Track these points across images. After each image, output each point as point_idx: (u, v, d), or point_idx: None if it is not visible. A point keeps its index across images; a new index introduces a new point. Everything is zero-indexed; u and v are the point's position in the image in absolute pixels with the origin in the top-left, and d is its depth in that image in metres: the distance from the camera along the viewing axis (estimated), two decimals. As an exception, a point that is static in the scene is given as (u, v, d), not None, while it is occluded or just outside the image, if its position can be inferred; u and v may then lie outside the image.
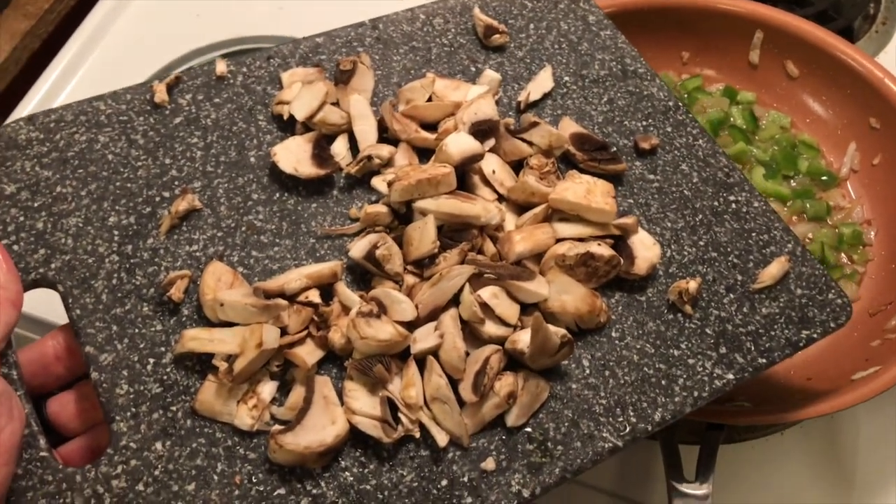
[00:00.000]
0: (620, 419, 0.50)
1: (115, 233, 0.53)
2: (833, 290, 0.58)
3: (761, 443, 0.78)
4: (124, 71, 0.96)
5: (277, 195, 0.57)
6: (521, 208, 0.57)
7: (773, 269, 0.58)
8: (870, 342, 0.75)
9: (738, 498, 0.74)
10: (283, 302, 0.48)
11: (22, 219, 0.53)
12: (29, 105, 0.95)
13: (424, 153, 0.59)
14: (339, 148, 0.58)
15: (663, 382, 0.52)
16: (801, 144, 0.89)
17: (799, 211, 0.84)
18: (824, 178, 0.87)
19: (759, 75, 0.92)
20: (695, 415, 0.66)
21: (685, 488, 0.65)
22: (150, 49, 0.99)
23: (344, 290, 0.50)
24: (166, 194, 0.55)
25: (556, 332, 0.49)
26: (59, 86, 0.97)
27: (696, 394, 0.52)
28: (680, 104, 0.67)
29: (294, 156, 0.56)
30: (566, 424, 0.50)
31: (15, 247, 0.52)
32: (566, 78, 0.67)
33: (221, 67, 0.62)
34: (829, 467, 0.77)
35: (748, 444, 0.78)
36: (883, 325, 0.76)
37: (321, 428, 0.46)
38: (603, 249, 0.54)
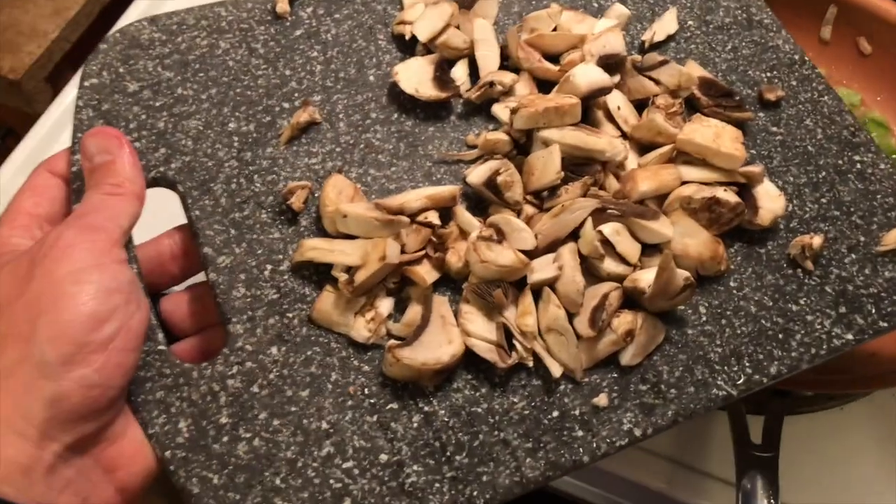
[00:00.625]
0: (735, 369, 0.49)
1: (235, 138, 0.53)
2: (960, 261, 0.56)
3: (822, 416, 0.76)
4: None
5: (396, 116, 0.56)
6: (644, 148, 0.56)
7: (899, 233, 0.55)
8: None
9: (802, 470, 0.73)
10: (405, 219, 0.47)
11: (144, 117, 0.52)
12: (61, 106, 0.87)
13: (546, 85, 0.58)
14: (460, 73, 0.57)
15: (780, 336, 0.51)
16: (870, 122, 0.87)
17: None
18: (894, 156, 0.85)
19: (830, 51, 0.90)
20: None
21: (754, 452, 0.63)
22: None
23: (463, 214, 0.50)
24: (286, 105, 0.55)
25: (681, 273, 0.48)
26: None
27: (813, 350, 0.51)
28: (806, 58, 0.64)
29: (415, 76, 0.55)
30: (680, 369, 0.49)
31: (137, 144, 0.51)
32: (690, 22, 0.65)
33: (343, -17, 0.60)
34: (885, 444, 0.76)
35: (809, 417, 0.76)
36: None
37: (438, 346, 0.45)
38: (729, 195, 0.52)
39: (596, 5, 0.64)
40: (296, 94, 0.55)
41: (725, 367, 0.49)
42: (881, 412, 0.77)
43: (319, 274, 0.49)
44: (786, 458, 0.63)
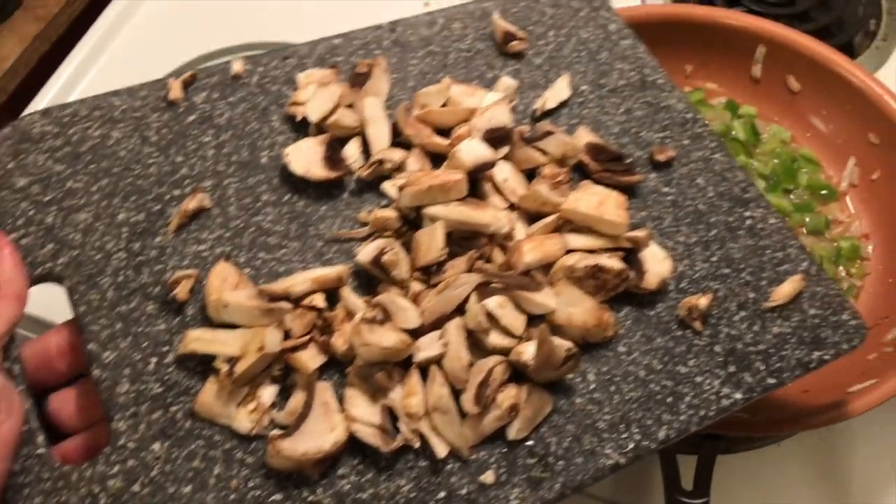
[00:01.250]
0: (624, 436, 0.50)
1: (124, 229, 0.53)
2: (847, 311, 0.57)
3: (758, 454, 0.77)
4: (133, 76, 0.95)
5: (287, 197, 0.56)
6: (532, 218, 0.57)
7: (787, 288, 0.57)
8: (866, 355, 0.74)
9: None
10: (287, 305, 0.48)
11: (32, 212, 0.53)
12: (39, 106, 0.94)
13: (438, 159, 0.59)
14: (352, 151, 0.58)
15: (669, 400, 0.51)
16: (801, 158, 0.89)
17: (798, 224, 0.85)
18: (824, 192, 0.87)
19: (761, 89, 0.92)
20: None
21: (684, 499, 0.64)
22: (160, 53, 0.98)
23: (349, 295, 0.50)
24: (177, 192, 0.55)
25: (562, 344, 0.49)
26: (68, 89, 0.97)
27: (702, 413, 0.51)
28: (698, 116, 0.66)
29: (306, 157, 0.56)
30: (568, 439, 0.49)
31: (24, 240, 0.52)
32: (584, 87, 0.66)
33: (238, 66, 0.62)
34: (825, 479, 0.77)
35: (744, 455, 0.77)
36: (880, 339, 0.76)
37: (320, 434, 0.45)
38: (613, 262, 0.53)
39: (490, 76, 0.66)
40: (187, 181, 0.56)
41: (614, 435, 0.50)
42: (819, 445, 0.78)
43: (205, 365, 0.49)
44: (722, 500, 0.63)
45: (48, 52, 1.07)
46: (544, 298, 0.51)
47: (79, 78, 0.97)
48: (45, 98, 0.95)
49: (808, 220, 0.84)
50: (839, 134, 0.89)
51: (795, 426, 0.67)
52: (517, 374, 0.50)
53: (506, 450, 0.48)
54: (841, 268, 0.83)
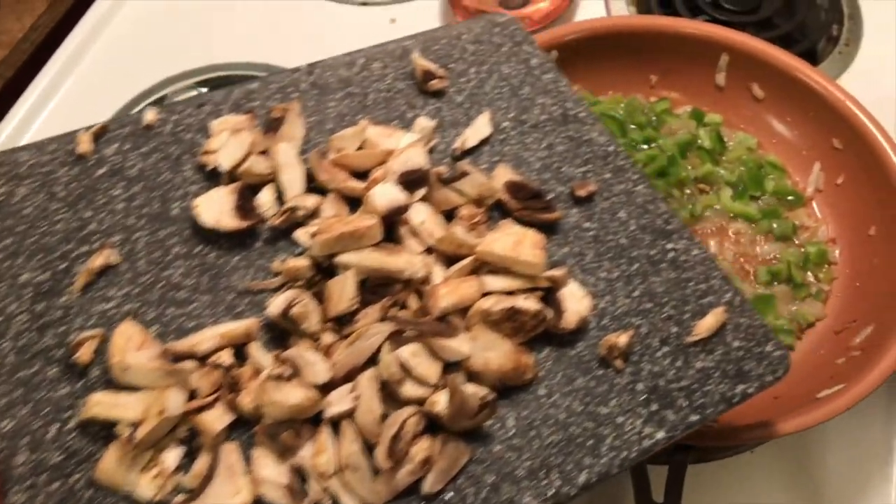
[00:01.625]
0: (544, 482, 0.49)
1: (28, 290, 0.52)
2: (771, 342, 0.57)
3: (732, 461, 0.77)
4: (99, 99, 0.97)
5: (199, 249, 0.55)
6: (450, 260, 0.56)
7: (709, 321, 0.56)
8: (835, 360, 0.75)
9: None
10: (189, 365, 0.47)
11: (-70, 277, 0.51)
12: (2, 135, 0.95)
13: (356, 202, 0.58)
14: (266, 198, 0.57)
15: (590, 442, 0.51)
16: (767, 165, 0.90)
17: (766, 231, 0.85)
18: (790, 197, 0.88)
19: (726, 97, 0.93)
20: None
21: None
22: (125, 77, 0.99)
23: (256, 351, 0.49)
24: (84, 249, 0.54)
25: (476, 393, 0.48)
26: (34, 114, 0.97)
27: (623, 454, 0.51)
28: (620, 149, 0.66)
29: (216, 207, 0.55)
30: (486, 489, 0.48)
31: (-80, 306, 0.50)
32: (505, 123, 0.66)
33: (150, 116, 0.61)
34: (799, 484, 0.77)
35: (718, 464, 0.77)
36: (847, 343, 0.76)
37: (225, 498, 0.44)
38: (529, 303, 0.52)
39: (410, 116, 0.65)
40: (95, 237, 0.55)
41: (533, 482, 0.49)
42: (792, 451, 0.78)
43: (108, 430, 0.47)
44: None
45: (12, 79, 1.06)
46: (459, 344, 0.50)
47: (44, 104, 0.98)
48: (10, 124, 0.96)
49: (775, 226, 0.85)
50: (804, 140, 0.89)
51: (767, 433, 0.67)
52: (434, 423, 0.49)
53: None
54: (809, 273, 0.83)
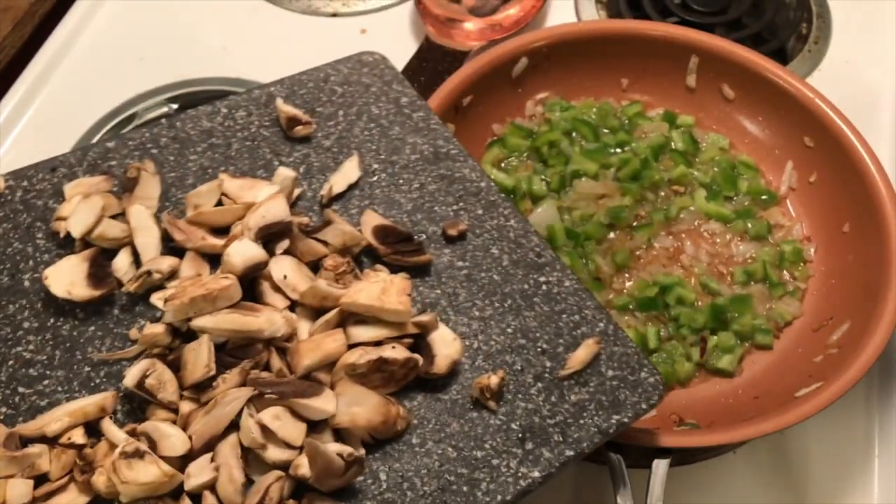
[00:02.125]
0: (419, 535, 0.48)
1: None
2: (646, 369, 0.57)
3: (714, 463, 0.77)
4: (68, 119, 0.95)
5: (52, 321, 0.53)
6: (318, 313, 0.55)
7: (582, 353, 0.56)
8: (813, 358, 0.75)
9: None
10: (34, 450, 0.45)
11: None
12: None
13: (219, 259, 0.57)
14: (122, 263, 0.55)
15: (465, 489, 0.50)
16: (740, 165, 0.90)
17: (741, 231, 0.85)
18: (764, 197, 0.88)
19: (697, 99, 0.93)
20: (640, 439, 0.65)
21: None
22: (94, 95, 0.97)
23: (109, 427, 0.47)
24: (-74, 330, 0.51)
25: (341, 451, 0.47)
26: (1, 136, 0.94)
27: (499, 497, 0.50)
28: (492, 184, 0.66)
29: (68, 277, 0.53)
30: (359, 549, 0.47)
31: None
32: (375, 165, 0.65)
33: (-1, 184, 0.58)
34: (782, 483, 0.77)
35: (701, 465, 0.77)
36: (825, 341, 0.76)
37: (76, 589, 0.42)
38: (397, 353, 0.52)
39: (276, 163, 0.64)
40: (-63, 319, 0.52)
41: (408, 536, 0.48)
42: (773, 451, 0.78)
43: (-49, 525, 0.45)
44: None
45: None
46: (323, 403, 0.49)
47: (11, 125, 0.95)
48: None
49: (750, 225, 0.85)
50: (776, 139, 0.90)
51: (748, 433, 0.67)
52: (303, 485, 0.48)
53: (290, 572, 0.46)
54: (785, 272, 0.84)
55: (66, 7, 1.07)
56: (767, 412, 0.68)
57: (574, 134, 0.89)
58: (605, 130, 0.91)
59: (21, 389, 0.50)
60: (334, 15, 1.08)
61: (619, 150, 0.89)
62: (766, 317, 0.80)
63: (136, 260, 0.56)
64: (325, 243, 0.57)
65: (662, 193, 0.87)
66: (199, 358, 0.49)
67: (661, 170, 0.87)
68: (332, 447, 0.47)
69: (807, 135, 0.87)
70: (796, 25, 1.07)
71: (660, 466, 0.66)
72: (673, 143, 0.91)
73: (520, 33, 0.99)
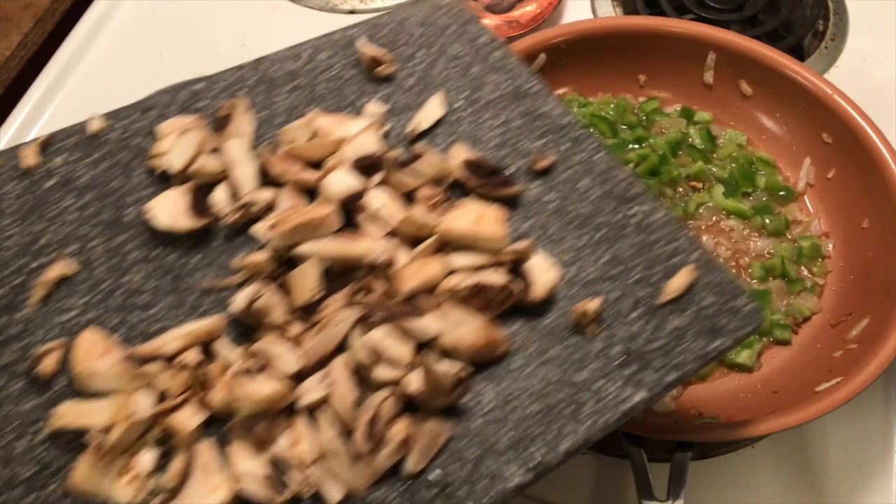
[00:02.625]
0: (527, 452, 0.48)
1: (-17, 308, 0.50)
2: (742, 297, 0.57)
3: (733, 457, 0.77)
4: (87, 115, 0.95)
5: (157, 252, 0.54)
6: (414, 242, 0.55)
7: (679, 281, 0.56)
8: (832, 353, 0.76)
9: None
10: (156, 367, 0.46)
11: None
12: None
13: (315, 193, 0.57)
14: (220, 197, 0.56)
15: (570, 409, 0.50)
16: (758, 161, 0.90)
17: (759, 227, 0.85)
18: (782, 193, 0.88)
19: (715, 95, 0.93)
20: (661, 432, 0.65)
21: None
22: (114, 91, 0.96)
23: (223, 348, 0.48)
24: (39, 262, 0.53)
25: (451, 369, 0.47)
26: (23, 132, 0.96)
27: (604, 418, 0.50)
28: (576, 119, 0.65)
29: (170, 210, 0.54)
30: (470, 464, 0.48)
31: None
32: (458, 103, 0.66)
33: (95, 124, 0.59)
34: (800, 478, 0.77)
35: (720, 459, 0.77)
36: (844, 336, 0.76)
37: (202, 497, 0.43)
38: (494, 278, 0.52)
39: (361, 103, 0.64)
40: (49, 249, 0.53)
41: (516, 454, 0.48)
42: (792, 445, 0.78)
43: (79, 439, 0.46)
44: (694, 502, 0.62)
45: (1, 97, 1.05)
46: (428, 323, 0.49)
47: (34, 120, 0.97)
48: (2, 140, 0.95)
49: (768, 221, 0.85)
50: (793, 135, 0.90)
51: (768, 428, 0.67)
52: (410, 404, 0.49)
53: (405, 484, 0.47)
54: (803, 267, 0.84)
55: (86, 4, 1.08)
56: (787, 407, 0.68)
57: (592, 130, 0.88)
58: (623, 127, 0.91)
59: (133, 315, 0.51)
60: (352, 12, 1.08)
61: (636, 147, 0.89)
62: (784, 312, 0.80)
63: (234, 194, 0.57)
64: (417, 175, 0.57)
65: (680, 189, 0.87)
66: (306, 281, 0.49)
67: (679, 166, 0.88)
68: (442, 365, 0.47)
69: (825, 131, 0.86)
70: (813, 22, 1.06)
71: (681, 460, 0.66)
72: (690, 140, 0.91)
73: (536, 30, 0.99)
